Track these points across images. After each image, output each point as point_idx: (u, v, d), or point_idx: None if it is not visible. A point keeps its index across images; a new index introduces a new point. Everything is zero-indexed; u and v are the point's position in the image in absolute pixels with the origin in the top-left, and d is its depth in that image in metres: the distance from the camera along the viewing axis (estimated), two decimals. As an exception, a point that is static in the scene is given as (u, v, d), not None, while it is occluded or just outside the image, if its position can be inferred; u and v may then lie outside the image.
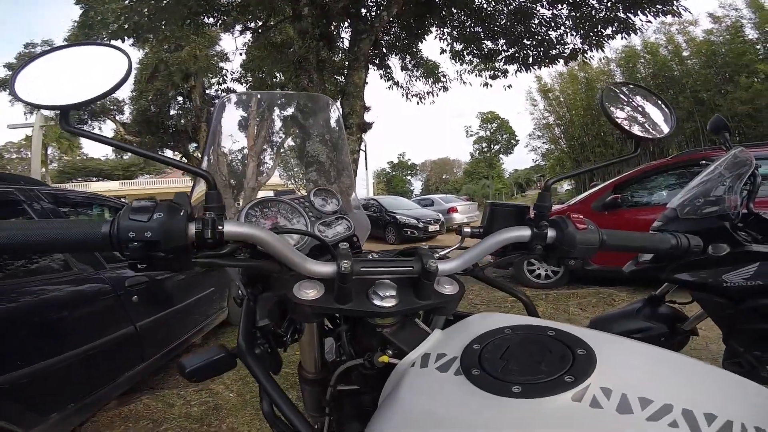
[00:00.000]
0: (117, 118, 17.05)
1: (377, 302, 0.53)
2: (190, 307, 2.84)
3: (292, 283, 0.53)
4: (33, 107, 0.56)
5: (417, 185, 62.85)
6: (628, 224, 4.16)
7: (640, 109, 0.73)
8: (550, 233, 0.60)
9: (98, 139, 0.56)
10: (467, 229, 0.69)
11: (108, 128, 17.61)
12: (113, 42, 5.84)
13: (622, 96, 0.73)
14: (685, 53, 20.34)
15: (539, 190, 0.66)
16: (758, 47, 17.89)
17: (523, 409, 0.36)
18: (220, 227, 0.49)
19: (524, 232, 0.61)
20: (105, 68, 0.52)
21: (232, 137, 1.08)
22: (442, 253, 0.66)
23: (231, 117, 1.01)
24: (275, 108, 1.23)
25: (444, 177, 61.94)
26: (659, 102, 0.73)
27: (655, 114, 0.72)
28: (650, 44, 21.41)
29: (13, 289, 1.67)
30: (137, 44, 6.94)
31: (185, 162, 0.61)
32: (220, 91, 16.72)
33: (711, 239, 1.29)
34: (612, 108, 0.68)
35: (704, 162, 1.62)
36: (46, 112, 15.94)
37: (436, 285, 0.56)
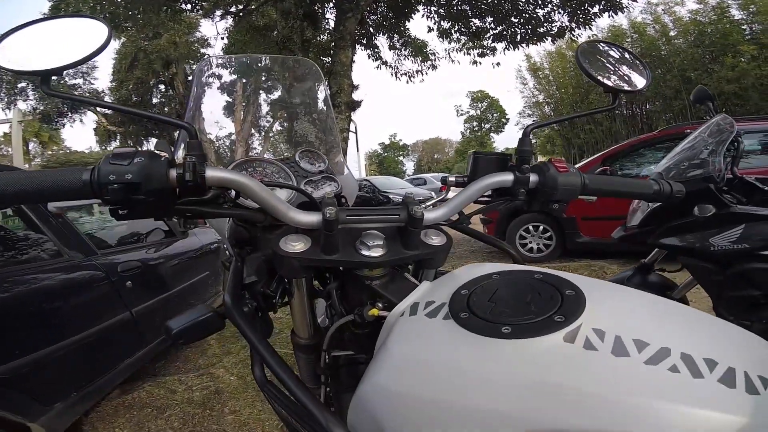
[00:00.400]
0: (98, 109, 16.59)
1: (365, 252, 0.52)
2: (185, 291, 2.84)
3: (279, 239, 0.53)
4: (14, 73, 0.56)
5: (409, 166, 62.62)
6: (614, 198, 4.24)
7: (616, 64, 0.74)
8: (533, 177, 0.60)
9: (78, 100, 0.57)
10: (452, 178, 0.70)
11: (89, 119, 17.21)
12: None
13: (598, 53, 0.74)
14: (672, 33, 20.37)
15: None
16: (744, 27, 17.99)
17: (513, 349, 0.36)
18: (201, 171, 0.49)
19: (507, 177, 0.61)
20: (85, 37, 0.53)
21: (216, 101, 1.06)
22: (428, 203, 0.67)
23: (212, 79, 0.99)
24: (258, 72, 1.21)
25: (436, 157, 61.73)
26: (634, 59, 0.74)
27: (631, 69, 0.74)
28: (638, 24, 21.35)
29: (5, 278, 1.65)
30: (115, 34, 6.71)
31: (173, 118, 0.59)
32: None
33: (696, 201, 1.31)
34: (589, 63, 0.69)
35: (689, 131, 1.64)
36: (22, 106, 15.46)
37: (423, 236, 0.56)
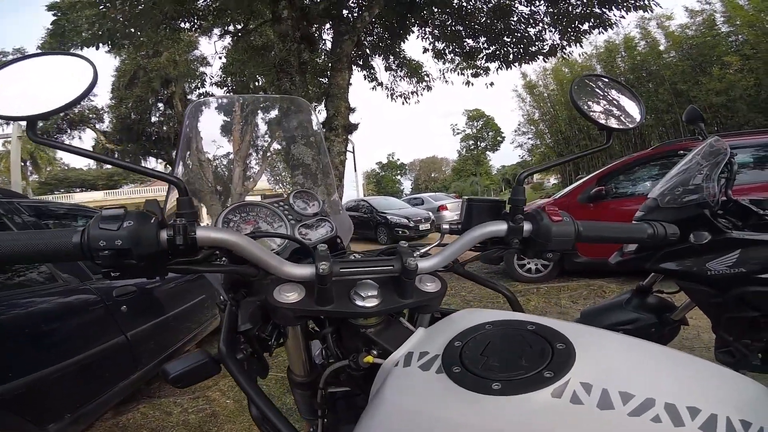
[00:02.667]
0: (97, 126, 16.68)
1: (359, 303, 0.53)
2: (181, 315, 2.81)
3: (273, 287, 0.53)
4: None
5: (407, 184, 62.98)
6: (613, 215, 4.27)
7: (610, 100, 0.74)
8: (526, 227, 0.61)
9: (66, 149, 0.55)
10: (446, 226, 0.70)
11: (88, 137, 17.29)
12: (87, 50, 5.72)
13: (592, 88, 0.74)
14: (662, 47, 20.88)
15: (526, 186, 0.67)
16: (731, 39, 18.48)
17: (503, 407, 0.36)
18: (192, 233, 0.49)
19: (500, 227, 0.61)
20: (71, 78, 0.52)
21: (207, 141, 1.07)
22: (422, 251, 0.66)
23: (203, 121, 1.00)
24: (252, 111, 1.22)
25: (433, 175, 62.14)
26: (629, 93, 0.74)
27: (626, 105, 0.73)
28: (630, 39, 21.89)
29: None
30: (113, 51, 6.79)
31: (162, 171, 0.58)
32: (200, 96, 16.51)
33: (692, 227, 1.31)
34: (583, 100, 0.69)
35: (682, 153, 1.66)
36: (22, 123, 15.47)
37: (417, 283, 0.56)
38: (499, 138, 50.20)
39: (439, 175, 61.74)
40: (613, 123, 0.69)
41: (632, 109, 0.72)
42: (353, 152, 15.46)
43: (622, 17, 6.77)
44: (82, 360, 1.85)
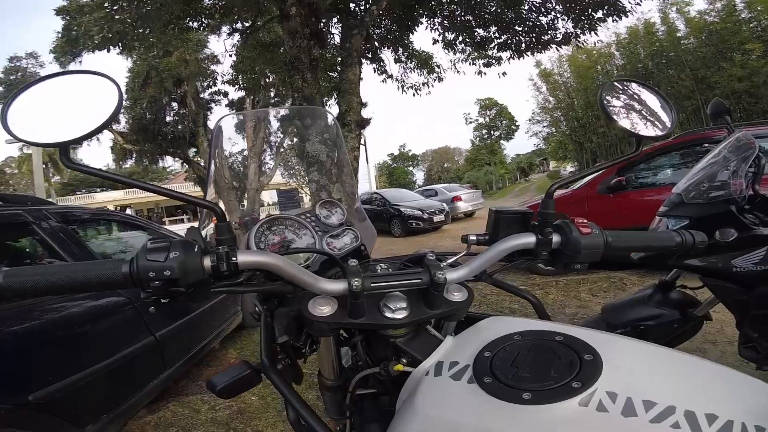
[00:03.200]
0: (114, 127, 16.97)
1: (389, 314, 0.55)
2: (205, 314, 2.89)
3: (306, 300, 0.56)
4: (32, 145, 0.56)
5: (419, 176, 62.68)
6: (634, 205, 4.19)
7: (640, 105, 0.71)
8: (555, 239, 0.61)
9: (101, 176, 0.57)
10: (473, 237, 0.70)
11: (106, 138, 17.60)
12: (99, 53, 5.81)
13: (622, 92, 0.72)
14: (681, 33, 20.34)
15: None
16: (752, 25, 17.91)
17: (533, 416, 0.39)
18: (234, 258, 0.52)
19: (529, 239, 0.61)
20: (96, 97, 0.52)
21: (235, 159, 1.10)
22: (449, 261, 0.67)
23: (231, 139, 1.03)
24: (275, 123, 1.26)
25: (446, 166, 61.68)
26: (660, 98, 0.72)
27: (657, 110, 0.71)
28: (649, 25, 21.34)
29: (33, 308, 1.71)
30: (124, 53, 6.89)
31: (197, 198, 0.57)
32: (212, 94, 16.63)
33: (718, 224, 1.29)
34: (612, 105, 0.67)
35: (707, 146, 1.62)
36: None
37: (445, 293, 0.58)
38: (513, 127, 49.53)
39: (452, 165, 61.24)
40: (643, 130, 0.68)
41: (663, 114, 0.71)
42: (365, 145, 15.43)
43: (638, 4, 6.59)
44: (115, 361, 1.92)
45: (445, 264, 0.64)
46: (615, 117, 0.67)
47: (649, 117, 0.71)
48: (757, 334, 1.35)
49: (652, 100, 0.72)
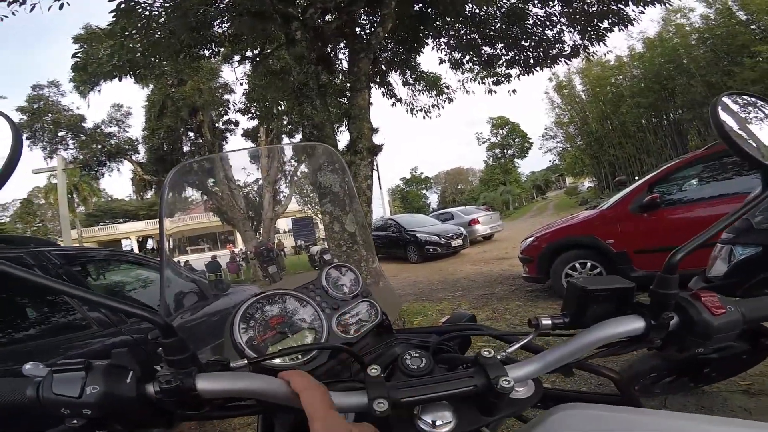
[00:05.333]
0: (133, 158, 17.54)
1: (426, 428, 0.40)
2: (217, 349, 2.73)
3: None
4: None
5: (433, 198, 62.72)
6: (672, 226, 3.89)
7: (761, 125, 0.55)
8: (674, 321, 0.47)
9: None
10: (547, 321, 0.51)
11: (126, 169, 18.16)
12: (111, 82, 5.95)
13: (741, 109, 0.56)
14: (687, 40, 20.42)
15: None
16: (753, 27, 17.80)
17: None
18: (191, 388, 0.37)
19: (635, 325, 0.47)
20: None
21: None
22: (510, 350, 0.50)
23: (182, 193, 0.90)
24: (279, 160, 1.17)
25: (459, 187, 61.65)
26: None
27: None
28: (660, 35, 21.46)
29: (40, 351, 1.70)
30: (138, 82, 7.09)
31: (138, 308, 0.43)
32: (226, 123, 17.04)
33: None
34: (729, 125, 0.51)
35: None
36: (65, 153, 16.35)
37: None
38: (526, 144, 49.34)
39: (466, 186, 61.19)
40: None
41: None
42: (377, 170, 15.47)
43: (642, 12, 6.46)
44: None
45: (503, 354, 0.48)
46: (735, 139, 0.50)
47: None
48: None
49: None
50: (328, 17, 6.17)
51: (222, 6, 5.92)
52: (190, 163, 1.03)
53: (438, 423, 0.41)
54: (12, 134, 0.37)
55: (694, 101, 19.48)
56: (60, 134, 16.03)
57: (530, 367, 0.45)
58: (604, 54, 7.92)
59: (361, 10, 6.72)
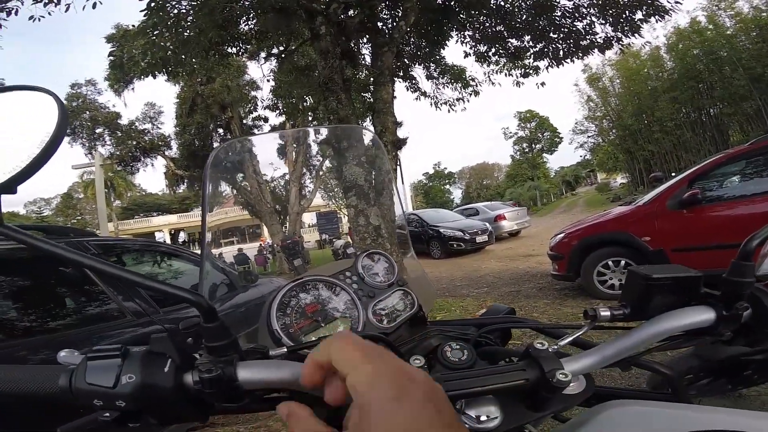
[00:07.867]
0: (166, 153, 18.14)
1: (471, 424, 0.39)
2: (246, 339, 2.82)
3: None
4: None
5: (457, 193, 62.00)
6: (713, 223, 3.74)
7: None
8: (747, 311, 0.44)
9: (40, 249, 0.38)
10: (605, 312, 0.47)
11: (159, 164, 18.78)
12: (145, 79, 6.16)
13: None
14: (731, 31, 19.23)
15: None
16: None
17: None
18: (233, 378, 0.36)
19: (705, 316, 0.45)
20: (33, 118, 0.38)
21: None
22: (562, 342, 0.47)
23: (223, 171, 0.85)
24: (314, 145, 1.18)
25: (485, 182, 60.67)
26: None
27: None
28: (696, 23, 20.29)
29: (75, 340, 1.75)
30: (171, 79, 7.33)
31: (182, 288, 0.36)
32: (254, 120, 17.34)
33: None
34: None
35: None
36: (102, 150, 17.00)
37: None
38: (556, 138, 47.99)
39: (491, 181, 60.13)
40: None
41: None
42: (400, 165, 15.41)
43: (678, 2, 6.15)
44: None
45: (555, 347, 0.45)
46: None
47: None
48: None
49: None
50: (351, 12, 6.18)
51: (247, 3, 6.02)
52: (228, 144, 1.04)
53: (483, 418, 0.39)
54: (58, 112, 0.37)
55: (734, 95, 18.37)
56: (97, 131, 16.70)
57: (587, 361, 0.43)
58: (642, 45, 7.59)
59: (384, 4, 6.69)
